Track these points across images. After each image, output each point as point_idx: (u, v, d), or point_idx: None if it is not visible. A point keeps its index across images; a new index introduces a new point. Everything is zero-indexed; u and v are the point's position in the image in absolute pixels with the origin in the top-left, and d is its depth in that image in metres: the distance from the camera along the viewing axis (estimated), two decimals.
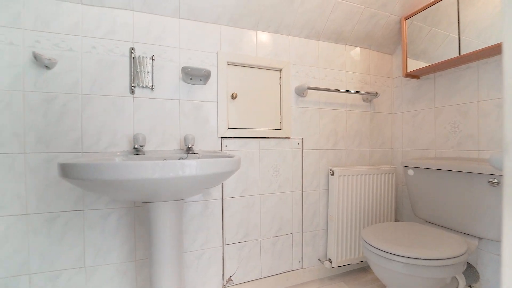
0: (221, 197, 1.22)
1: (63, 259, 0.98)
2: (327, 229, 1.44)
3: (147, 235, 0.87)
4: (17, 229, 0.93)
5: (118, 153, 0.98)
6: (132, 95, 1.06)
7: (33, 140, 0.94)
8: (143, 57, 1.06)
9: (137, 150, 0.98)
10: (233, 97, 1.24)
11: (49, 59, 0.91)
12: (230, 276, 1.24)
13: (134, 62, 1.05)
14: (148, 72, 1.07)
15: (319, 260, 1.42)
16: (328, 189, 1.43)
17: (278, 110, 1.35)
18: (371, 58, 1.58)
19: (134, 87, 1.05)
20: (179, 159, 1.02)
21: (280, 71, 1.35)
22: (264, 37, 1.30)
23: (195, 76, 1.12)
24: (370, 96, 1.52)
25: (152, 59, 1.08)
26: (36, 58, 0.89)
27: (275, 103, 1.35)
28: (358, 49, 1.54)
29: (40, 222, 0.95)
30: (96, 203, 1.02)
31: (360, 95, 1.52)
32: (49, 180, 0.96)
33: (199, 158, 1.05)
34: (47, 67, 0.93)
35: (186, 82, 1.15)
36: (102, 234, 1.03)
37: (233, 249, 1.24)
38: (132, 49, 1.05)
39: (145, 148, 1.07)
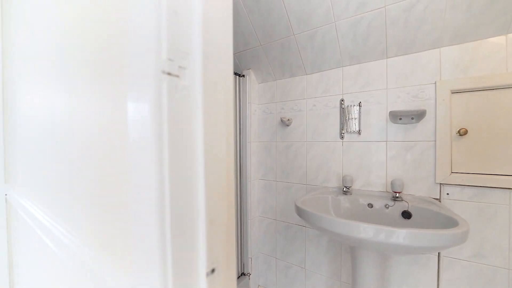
0: (437, 253, 1.03)
1: (292, 256, 1.40)
2: None
3: (350, 266, 0.99)
4: (271, 228, 1.48)
5: (330, 190, 1.20)
6: (341, 140, 1.23)
7: (280, 172, 1.43)
8: (350, 106, 1.19)
9: (345, 192, 1.14)
10: (461, 133, 0.98)
11: (288, 119, 1.33)
12: None
13: (343, 112, 1.21)
14: (355, 118, 1.18)
15: None
16: None
17: None
18: None
19: (343, 133, 1.22)
20: (385, 205, 1.03)
21: None
22: None
23: (405, 116, 1.05)
24: None
25: (359, 105, 1.17)
26: (281, 120, 1.35)
27: None
28: None
29: (281, 227, 1.44)
30: None
31: None
32: (287, 201, 1.41)
33: (408, 208, 0.98)
34: (287, 125, 1.38)
35: (394, 123, 1.11)
36: (317, 249, 1.32)
37: None
38: (342, 100, 1.21)
39: (352, 187, 1.19)
